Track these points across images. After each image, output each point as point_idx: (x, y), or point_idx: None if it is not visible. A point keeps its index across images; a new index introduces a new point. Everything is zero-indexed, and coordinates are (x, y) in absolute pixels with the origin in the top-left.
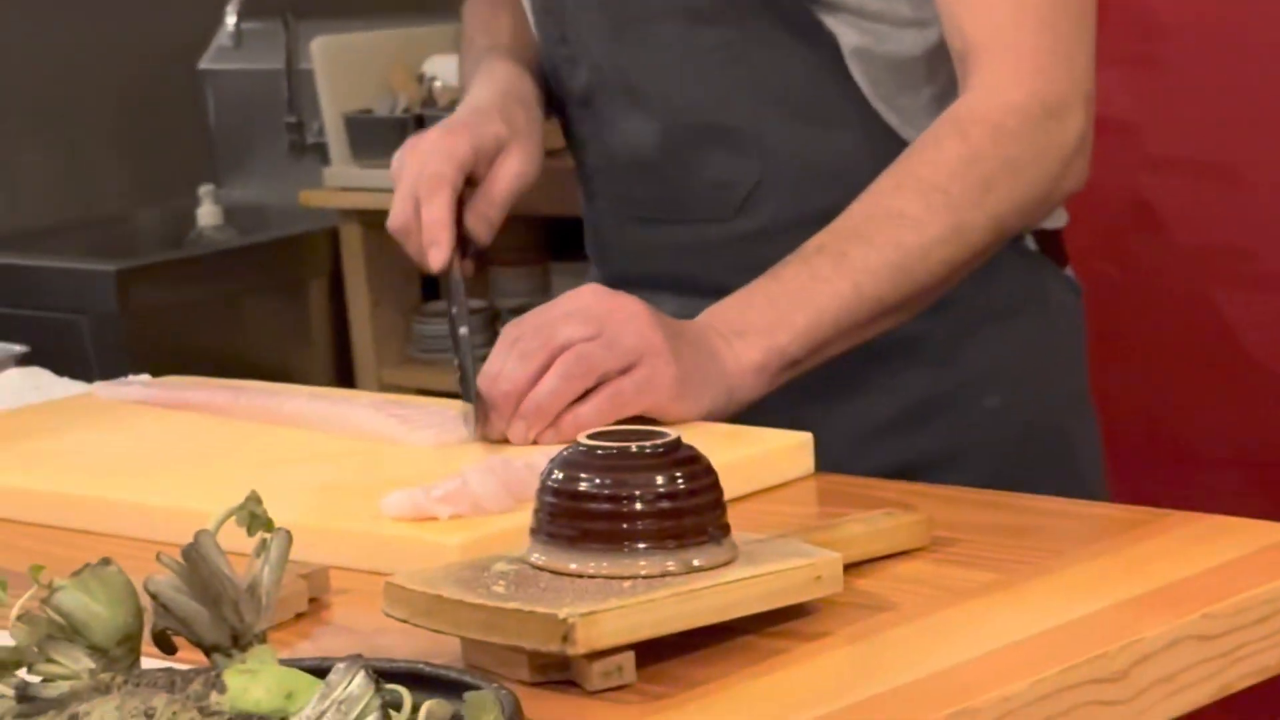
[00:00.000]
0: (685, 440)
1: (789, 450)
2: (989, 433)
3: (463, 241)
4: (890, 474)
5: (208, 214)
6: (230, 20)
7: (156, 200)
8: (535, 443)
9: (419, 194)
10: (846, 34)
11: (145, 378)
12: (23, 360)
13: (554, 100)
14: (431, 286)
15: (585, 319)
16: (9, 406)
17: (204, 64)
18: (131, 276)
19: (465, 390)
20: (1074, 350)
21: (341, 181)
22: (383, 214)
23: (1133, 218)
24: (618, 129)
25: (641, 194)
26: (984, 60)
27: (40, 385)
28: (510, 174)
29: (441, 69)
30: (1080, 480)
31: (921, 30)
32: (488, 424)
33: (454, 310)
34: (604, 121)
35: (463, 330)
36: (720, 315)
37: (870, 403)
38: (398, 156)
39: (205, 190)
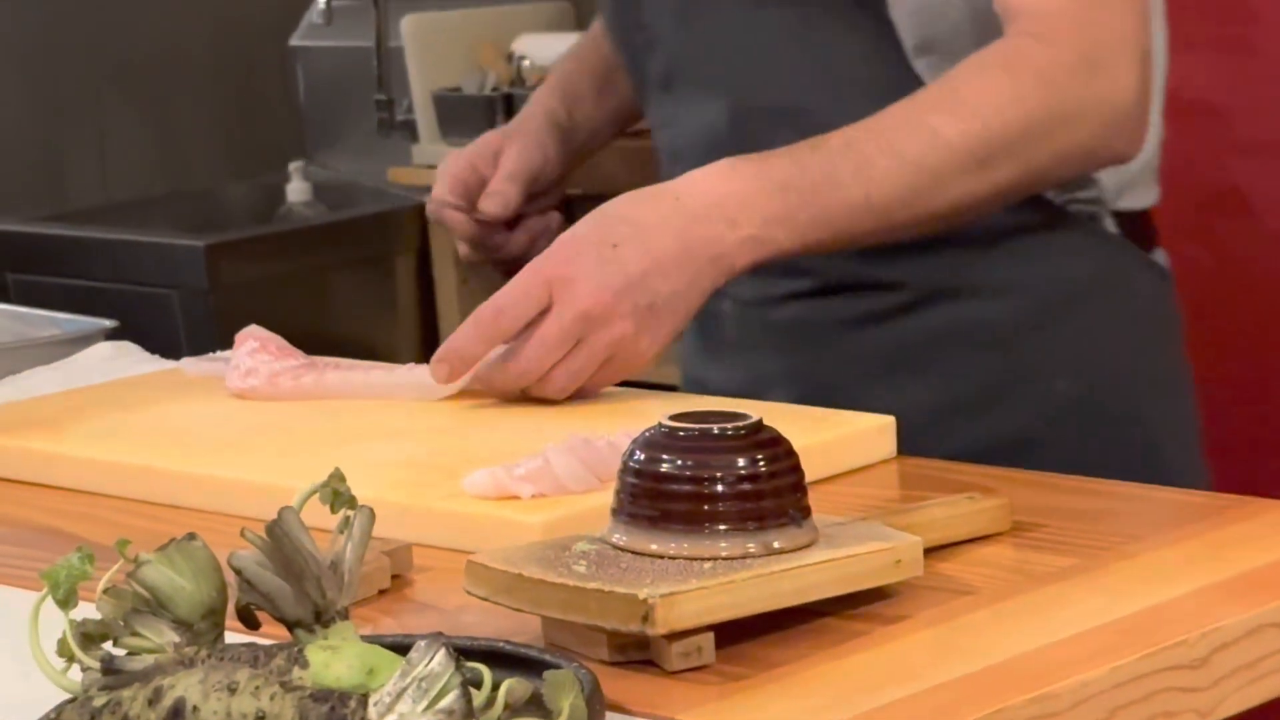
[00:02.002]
0: (767, 422)
1: (871, 433)
2: (1063, 419)
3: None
4: (962, 458)
5: (297, 190)
6: None
7: (246, 176)
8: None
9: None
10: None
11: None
12: (112, 334)
13: (636, 86)
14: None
15: (563, 340)
16: (98, 380)
17: (295, 41)
18: (221, 252)
19: None
20: (1160, 337)
21: (430, 159)
22: None
23: (1222, 201)
24: (692, 113)
25: None
26: (1027, 15)
27: (129, 360)
28: (508, 158)
29: (531, 48)
30: (1165, 469)
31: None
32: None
33: None
34: (680, 105)
35: None
36: (722, 194)
37: (939, 385)
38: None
39: (295, 166)
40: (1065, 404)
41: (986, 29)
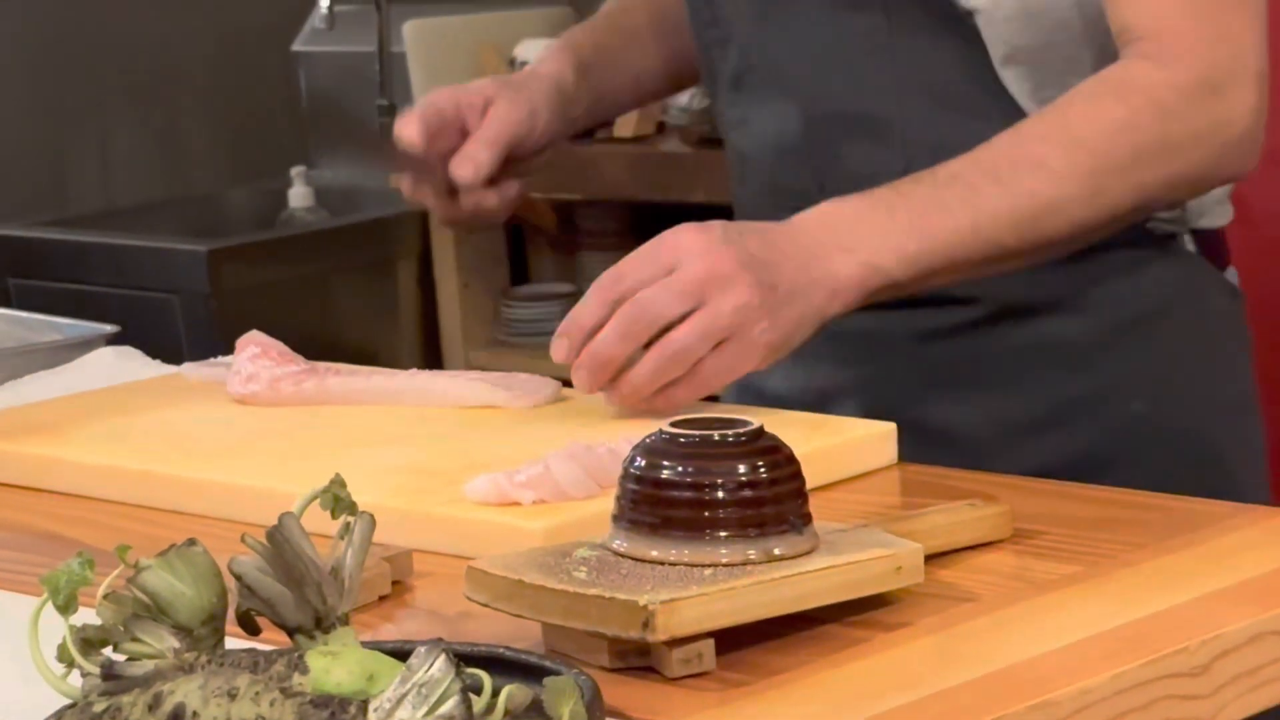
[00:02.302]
0: (768, 429)
1: (871, 440)
2: (1134, 440)
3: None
4: (1031, 476)
5: (299, 195)
6: (324, 3)
7: (249, 181)
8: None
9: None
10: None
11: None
12: (114, 339)
13: (707, 84)
14: (520, 270)
15: (685, 291)
16: (99, 385)
17: (297, 46)
18: (223, 256)
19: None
20: (1231, 357)
21: None
22: None
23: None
24: (765, 114)
25: (787, 181)
26: (1146, 37)
27: (130, 365)
28: (493, 117)
29: (532, 53)
30: (1235, 491)
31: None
32: (577, 378)
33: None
34: (752, 105)
35: None
36: (832, 221)
37: (1009, 403)
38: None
39: (297, 171)
40: (1136, 423)
41: (1089, 37)
